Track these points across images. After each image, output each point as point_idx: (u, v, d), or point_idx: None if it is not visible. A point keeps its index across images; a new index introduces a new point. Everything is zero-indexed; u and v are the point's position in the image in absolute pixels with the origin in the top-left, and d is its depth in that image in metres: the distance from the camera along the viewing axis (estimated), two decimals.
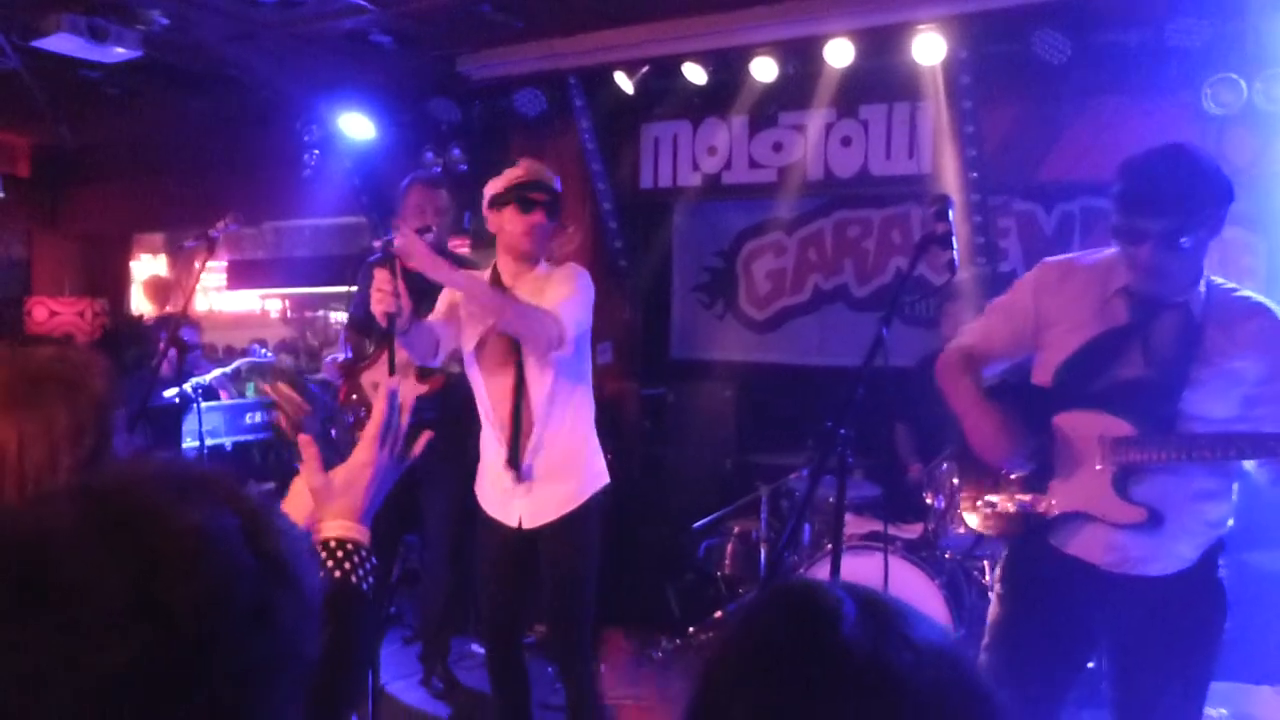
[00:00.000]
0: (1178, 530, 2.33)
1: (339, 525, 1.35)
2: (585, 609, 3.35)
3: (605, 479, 3.29)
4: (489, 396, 3.22)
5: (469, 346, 3.23)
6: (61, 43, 4.51)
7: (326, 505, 1.37)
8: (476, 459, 4.02)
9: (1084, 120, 4.32)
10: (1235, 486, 2.39)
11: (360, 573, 1.31)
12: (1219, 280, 2.38)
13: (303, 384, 4.72)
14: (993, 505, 2.50)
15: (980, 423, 2.46)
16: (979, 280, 4.48)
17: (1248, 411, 2.29)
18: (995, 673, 2.54)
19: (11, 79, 4.99)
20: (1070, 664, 2.51)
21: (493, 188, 3.23)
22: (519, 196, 3.16)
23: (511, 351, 3.16)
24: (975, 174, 4.59)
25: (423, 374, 3.98)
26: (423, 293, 4.03)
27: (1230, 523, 2.41)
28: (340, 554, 1.31)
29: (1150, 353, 2.32)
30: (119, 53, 4.66)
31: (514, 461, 3.14)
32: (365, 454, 1.41)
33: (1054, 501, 2.42)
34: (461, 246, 6.52)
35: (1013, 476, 2.48)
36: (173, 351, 5.54)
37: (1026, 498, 2.45)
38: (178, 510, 0.76)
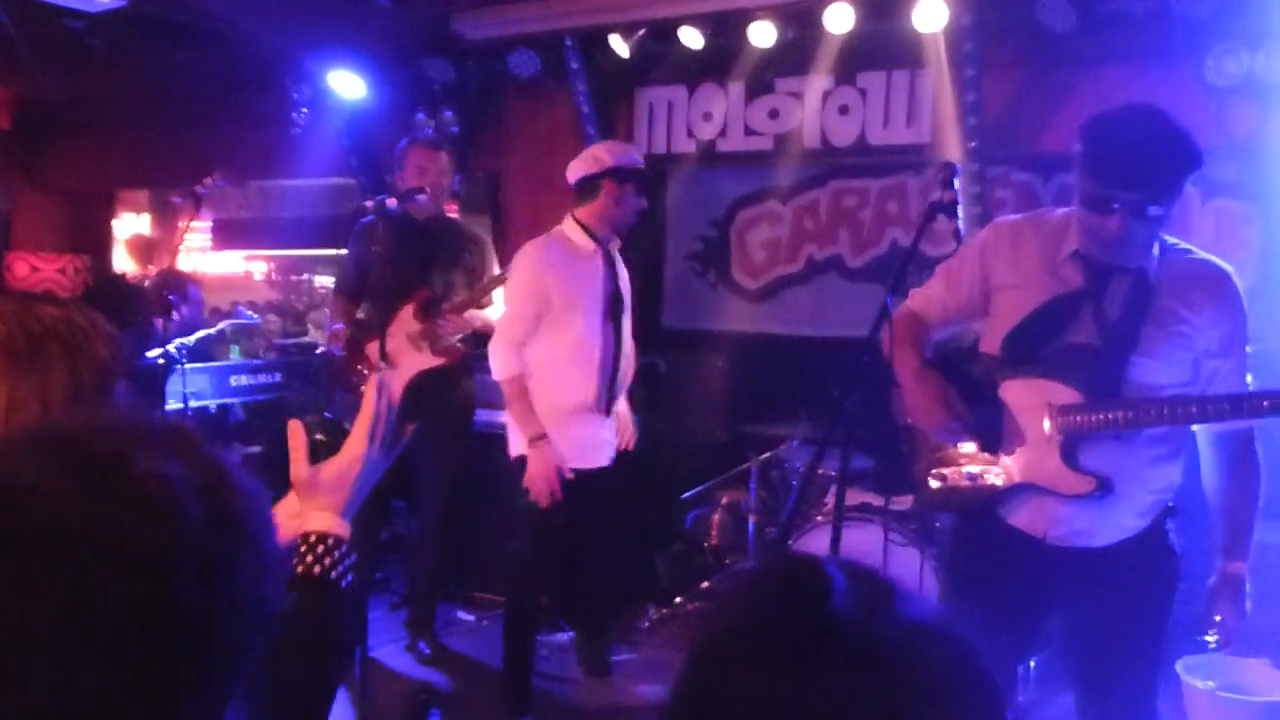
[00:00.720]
0: (1125, 500, 2.29)
1: (321, 519, 1.32)
2: None
3: None
4: (602, 347, 3.56)
5: (593, 305, 3.55)
6: None
7: (311, 498, 1.34)
8: (468, 424, 4.05)
9: (1086, 90, 4.27)
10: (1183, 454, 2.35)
11: (340, 569, 1.29)
12: (1173, 241, 2.31)
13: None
14: (944, 477, 2.45)
15: (917, 393, 2.42)
16: None
17: (1199, 385, 2.25)
18: None
19: None
20: (1014, 644, 2.47)
21: (623, 159, 3.51)
22: (644, 179, 3.57)
23: (620, 310, 3.63)
24: (975, 143, 4.54)
25: (441, 348, 3.95)
26: (430, 254, 3.94)
27: (1176, 482, 2.37)
28: (321, 549, 1.29)
29: (1101, 318, 2.25)
30: (103, 2, 4.57)
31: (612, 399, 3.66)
32: (356, 447, 1.37)
33: (1003, 472, 2.37)
34: (450, 211, 6.44)
35: (961, 448, 2.44)
36: (183, 307, 5.51)
37: (976, 469, 2.40)
38: (136, 458, 0.76)
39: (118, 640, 0.71)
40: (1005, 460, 2.38)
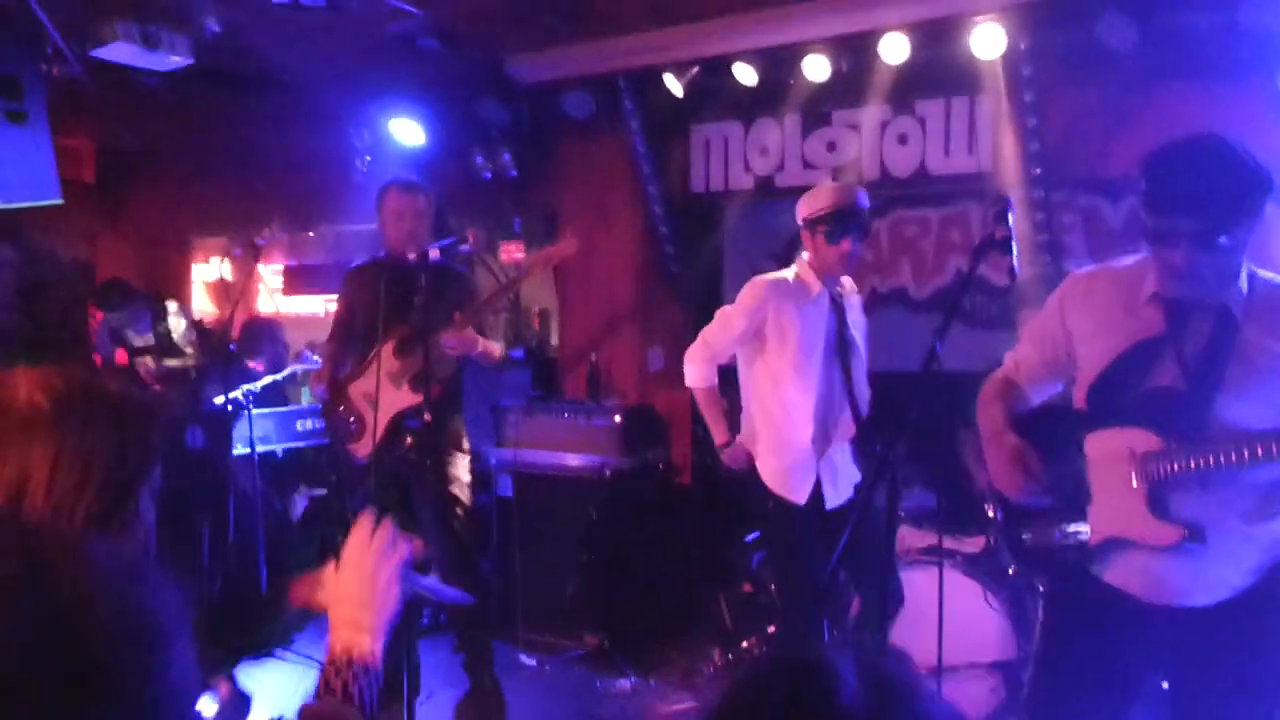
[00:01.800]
0: (1222, 553, 2.14)
1: (343, 635, 1.32)
2: None
3: None
4: (820, 387, 3.62)
5: (811, 345, 3.62)
6: (118, 51, 4.57)
7: (336, 610, 1.34)
8: (458, 463, 4.08)
9: (1151, 109, 4.12)
10: None
11: (358, 687, 1.29)
12: (1264, 273, 2.18)
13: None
14: (1032, 536, 2.36)
15: (995, 454, 2.37)
16: (1044, 280, 4.30)
17: None
18: (1035, 716, 2.43)
19: (76, 86, 5.07)
20: (1112, 708, 2.33)
21: (806, 209, 3.61)
22: (838, 223, 3.54)
23: (848, 354, 3.68)
24: (1038, 169, 4.42)
25: (417, 383, 3.90)
26: (410, 294, 3.91)
27: None
28: (335, 670, 1.30)
29: (1185, 359, 2.15)
30: (173, 60, 4.71)
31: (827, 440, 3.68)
32: (353, 581, 1.37)
33: (1092, 528, 2.27)
34: (517, 252, 6.47)
35: (1050, 505, 2.34)
36: (268, 350, 5.67)
37: (1066, 526, 2.30)
38: None
39: None
40: (1093, 514, 2.28)
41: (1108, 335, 2.25)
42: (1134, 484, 2.17)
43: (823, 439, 3.64)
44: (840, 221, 3.54)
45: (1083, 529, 2.29)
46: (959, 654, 3.82)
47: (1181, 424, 2.13)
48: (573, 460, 5.01)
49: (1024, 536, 2.39)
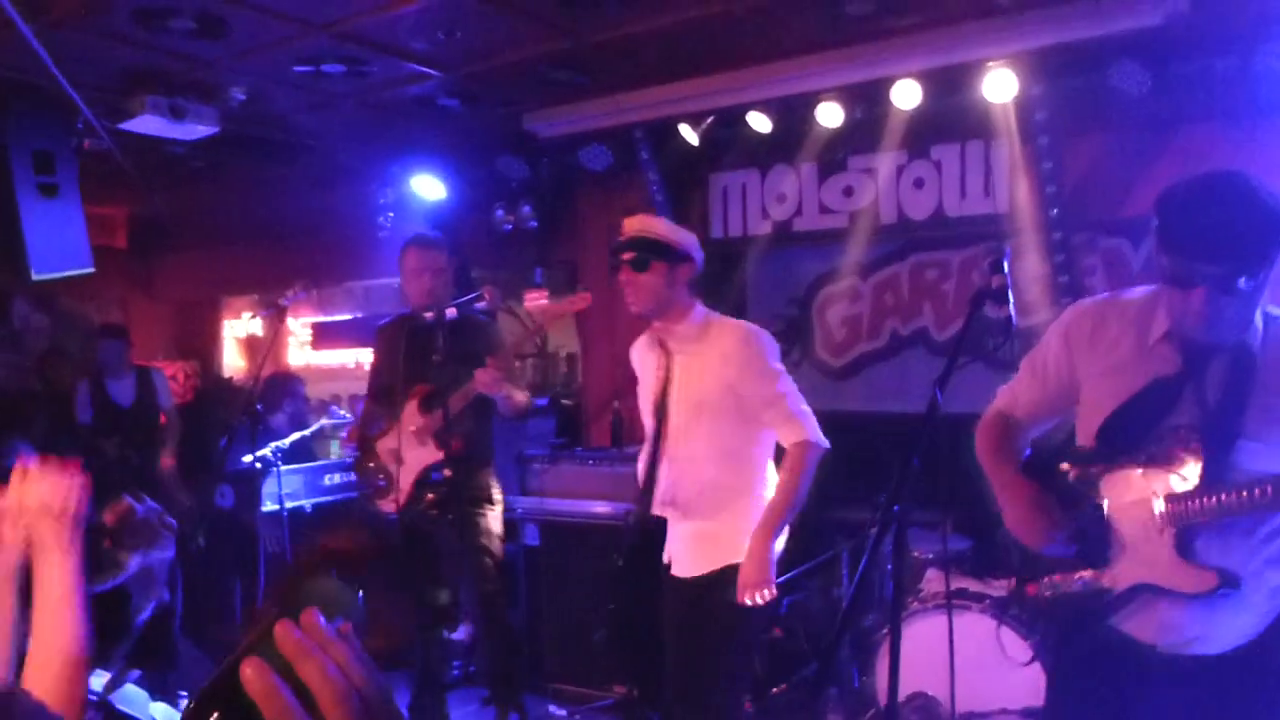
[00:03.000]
0: (1246, 600, 2.09)
1: None
2: None
3: None
4: (651, 446, 3.29)
5: (645, 399, 3.32)
6: (146, 124, 4.69)
7: None
8: (489, 514, 4.09)
9: (1169, 151, 4.12)
10: None
11: None
12: (1277, 311, 2.14)
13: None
14: (1055, 586, 2.30)
15: (1013, 503, 2.29)
16: None
17: None
18: None
19: (107, 157, 5.21)
20: None
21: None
22: (611, 262, 3.20)
23: (664, 411, 3.26)
24: (1055, 211, 4.42)
25: (441, 440, 3.95)
26: (432, 351, 3.96)
27: None
28: None
29: (1203, 401, 2.09)
30: (199, 130, 4.83)
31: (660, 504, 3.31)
32: None
33: (1117, 575, 2.20)
34: (540, 298, 6.55)
35: (1073, 554, 2.27)
36: (288, 405, 5.74)
37: (1087, 574, 2.23)
38: None
39: None
40: (1117, 561, 2.21)
41: (1119, 373, 2.19)
42: (1160, 527, 2.12)
43: (659, 504, 3.23)
44: (619, 250, 3.11)
45: (1104, 576, 2.23)
46: (989, 700, 3.78)
47: (1205, 466, 2.07)
48: (598, 508, 5.02)
49: (1045, 589, 2.32)
